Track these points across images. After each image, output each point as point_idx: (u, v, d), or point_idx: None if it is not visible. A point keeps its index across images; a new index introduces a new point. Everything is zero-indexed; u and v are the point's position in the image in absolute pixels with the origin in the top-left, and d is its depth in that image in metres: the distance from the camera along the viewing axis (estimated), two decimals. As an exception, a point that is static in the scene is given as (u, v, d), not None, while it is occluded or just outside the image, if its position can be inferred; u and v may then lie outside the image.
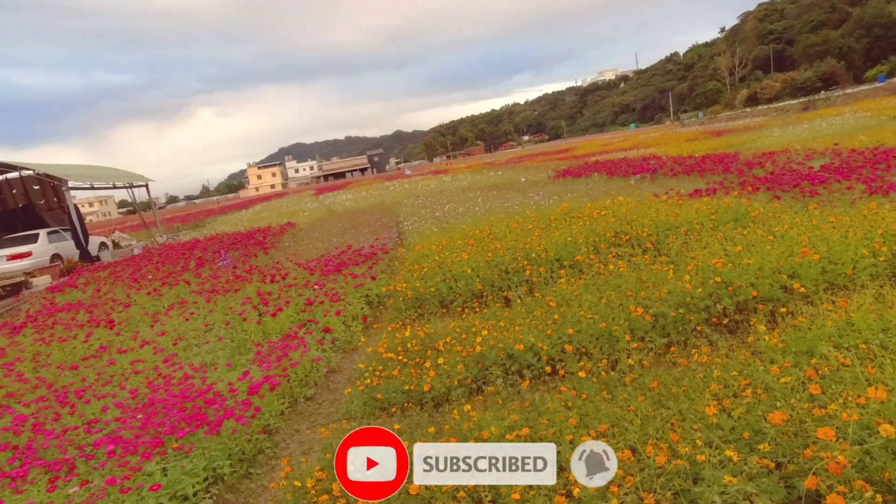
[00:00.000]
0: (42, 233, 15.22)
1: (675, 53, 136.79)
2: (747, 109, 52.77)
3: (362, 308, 6.70)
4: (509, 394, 3.91)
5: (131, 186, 20.97)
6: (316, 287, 6.90)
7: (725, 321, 4.38)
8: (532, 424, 2.95)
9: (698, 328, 4.14)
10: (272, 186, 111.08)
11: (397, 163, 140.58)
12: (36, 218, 18.08)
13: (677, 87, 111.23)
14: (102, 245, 17.78)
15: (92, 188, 18.90)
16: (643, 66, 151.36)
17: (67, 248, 15.68)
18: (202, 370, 5.05)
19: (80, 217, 16.30)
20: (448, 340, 4.90)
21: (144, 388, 4.88)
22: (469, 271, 6.42)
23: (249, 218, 24.76)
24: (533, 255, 6.45)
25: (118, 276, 10.86)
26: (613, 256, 6.02)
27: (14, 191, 17.74)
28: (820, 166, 9.61)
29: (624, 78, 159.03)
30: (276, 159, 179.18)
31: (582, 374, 3.44)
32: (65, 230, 16.05)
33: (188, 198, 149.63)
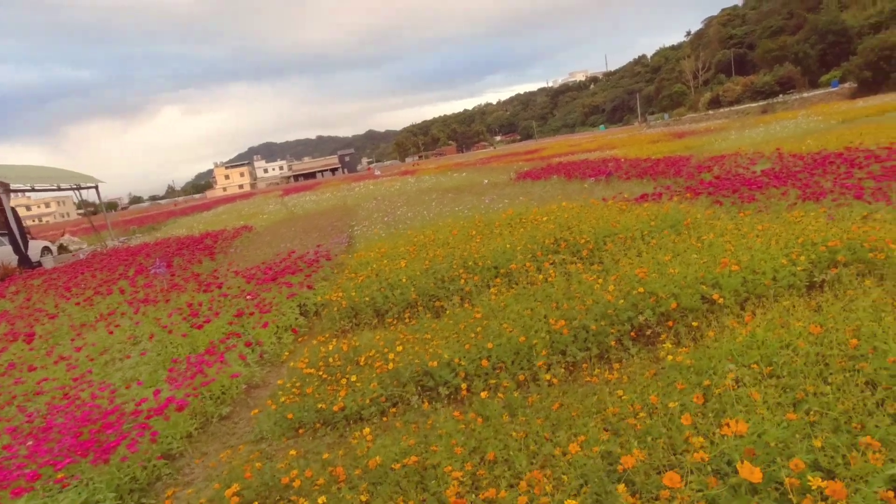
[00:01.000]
0: (-24, 237, 14.44)
1: (643, 56, 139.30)
2: (710, 112, 54.00)
3: (296, 318, 6.47)
4: (423, 413, 3.76)
5: (79, 188, 20.10)
6: (248, 297, 6.62)
7: (648, 332, 4.33)
8: (422, 451, 2.80)
9: (613, 343, 4.06)
10: (240, 187, 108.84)
11: (369, 162, 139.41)
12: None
13: (645, 88, 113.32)
14: (45, 250, 16.98)
15: (33, 190, 18.00)
16: (613, 68, 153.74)
17: (5, 253, 14.90)
18: (111, 390, 4.75)
19: (19, 221, 15.50)
20: (371, 354, 4.73)
21: (46, 409, 4.57)
22: (404, 280, 6.26)
23: (208, 220, 24.10)
24: (470, 262, 6.33)
25: (52, 285, 10.33)
26: (550, 264, 5.94)
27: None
28: (762, 171, 9.77)
29: (594, 79, 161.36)
30: (245, 159, 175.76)
31: (484, 394, 3.31)
32: (2, 234, 15.26)
33: (153, 198, 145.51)
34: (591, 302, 4.43)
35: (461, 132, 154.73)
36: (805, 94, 45.41)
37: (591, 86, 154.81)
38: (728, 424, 1.77)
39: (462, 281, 6.00)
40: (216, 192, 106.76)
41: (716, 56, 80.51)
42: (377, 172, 59.71)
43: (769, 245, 4.76)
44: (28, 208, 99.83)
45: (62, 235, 23.28)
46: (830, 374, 2.53)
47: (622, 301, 4.28)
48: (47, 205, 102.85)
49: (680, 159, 14.91)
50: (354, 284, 6.62)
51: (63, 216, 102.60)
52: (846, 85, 42.60)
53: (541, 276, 5.30)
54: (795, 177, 8.26)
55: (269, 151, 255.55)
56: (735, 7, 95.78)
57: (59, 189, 19.17)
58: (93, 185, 20.65)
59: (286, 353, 5.42)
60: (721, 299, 4.14)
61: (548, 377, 3.73)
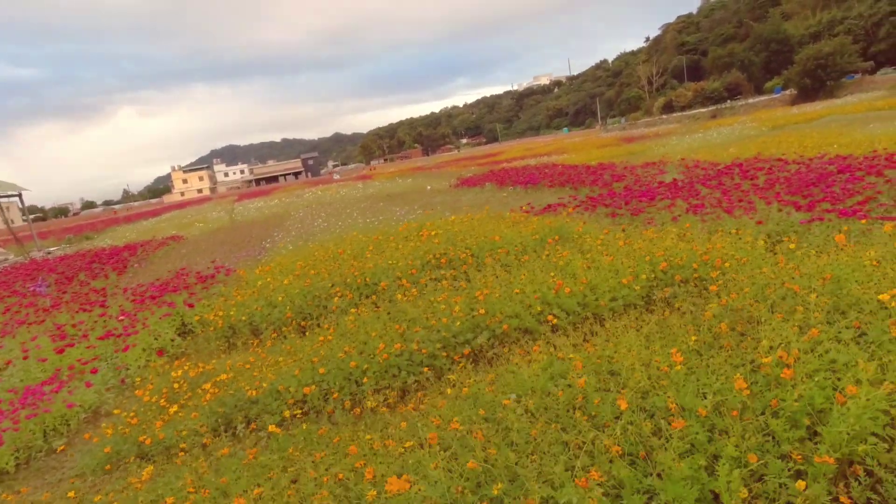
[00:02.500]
0: None
1: (605, 60, 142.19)
2: (663, 116, 55.46)
3: (172, 339, 6.25)
4: (244, 444, 3.65)
5: (-2, 197, 19.19)
6: (121, 318, 6.37)
7: (489, 354, 4.32)
8: (184, 494, 2.70)
9: (447, 366, 4.04)
10: (199, 191, 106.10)
11: (334, 165, 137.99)
12: None
13: (606, 92, 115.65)
14: (-41, 262, 16.12)
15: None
16: (576, 72, 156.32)
17: None
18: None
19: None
20: (221, 379, 4.59)
21: None
22: (280, 299, 6.13)
23: (145, 229, 23.35)
24: (349, 279, 6.24)
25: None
26: (426, 281, 5.90)
27: None
28: (671, 180, 10.01)
29: (558, 83, 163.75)
30: (207, 161, 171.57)
31: (272, 427, 3.22)
32: None
33: (107, 203, 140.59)
34: (436, 322, 4.41)
35: (427, 135, 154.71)
36: (750, 100, 47.03)
37: (556, 89, 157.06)
38: (391, 482, 1.74)
39: (336, 299, 5.91)
40: (174, 197, 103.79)
41: (672, 62, 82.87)
42: (336, 177, 59.12)
43: (619, 263, 4.83)
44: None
45: (-11, 246, 22.16)
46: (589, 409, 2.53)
47: (458, 323, 4.27)
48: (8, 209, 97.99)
49: (609, 166, 15.19)
50: (235, 303, 6.45)
51: (9, 222, 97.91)
52: (787, 92, 44.34)
53: (398, 296, 5.25)
54: (692, 188, 8.47)
55: (233, 154, 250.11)
56: (690, 15, 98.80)
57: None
58: (15, 192, 19.74)
59: (138, 379, 5.22)
60: (555, 320, 4.18)
61: (372, 404, 3.68)
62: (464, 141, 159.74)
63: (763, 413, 2.11)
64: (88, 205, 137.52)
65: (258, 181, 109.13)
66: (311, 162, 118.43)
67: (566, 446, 2.21)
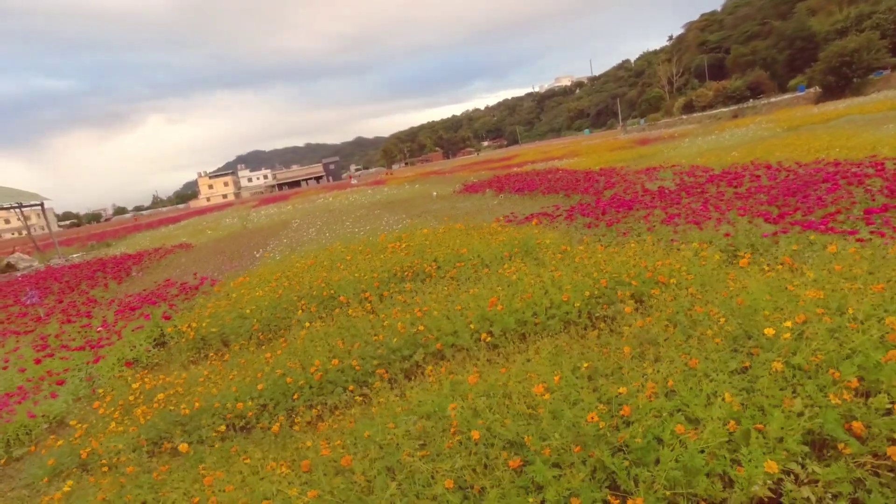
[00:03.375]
0: None
1: (627, 60, 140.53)
2: (683, 117, 54.52)
3: (147, 350, 6.45)
4: (174, 460, 3.76)
5: (20, 206, 19.99)
6: (100, 329, 6.61)
7: (429, 368, 4.35)
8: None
9: (376, 384, 4.08)
10: (224, 196, 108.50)
11: (356, 170, 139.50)
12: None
13: (628, 93, 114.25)
14: (-20, 270, 16.86)
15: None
16: (598, 73, 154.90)
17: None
18: None
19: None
20: (173, 392, 4.72)
21: None
22: (249, 311, 6.27)
23: (161, 236, 24.01)
24: (315, 292, 6.35)
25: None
26: (389, 293, 5.97)
27: None
28: (658, 188, 9.87)
29: (579, 84, 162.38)
30: (233, 167, 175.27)
31: (183, 446, 3.31)
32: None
33: (137, 208, 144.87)
34: (376, 338, 4.47)
35: (447, 138, 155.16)
36: (773, 99, 45.90)
37: (577, 90, 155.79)
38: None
39: (300, 312, 6.02)
40: (200, 202, 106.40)
41: (694, 61, 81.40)
42: (354, 181, 59.77)
43: (567, 278, 4.81)
44: (7, 221, 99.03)
45: (12, 253, 23.11)
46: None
47: (395, 339, 4.32)
48: (28, 218, 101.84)
49: (609, 172, 15.01)
50: (209, 314, 6.62)
51: (42, 228, 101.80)
52: (812, 90, 43.11)
53: (350, 311, 5.32)
54: (677, 196, 8.35)
55: (258, 159, 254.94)
56: (714, 12, 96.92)
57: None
58: (37, 202, 20.55)
59: (101, 391, 5.41)
60: (489, 338, 4.19)
61: (299, 420, 3.76)
62: (485, 143, 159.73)
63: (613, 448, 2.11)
64: (120, 210, 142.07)
65: (280, 186, 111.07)
66: (332, 166, 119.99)
67: (398, 475, 2.24)
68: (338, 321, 5.21)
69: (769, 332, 2.53)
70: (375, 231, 10.11)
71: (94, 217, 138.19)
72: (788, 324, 2.53)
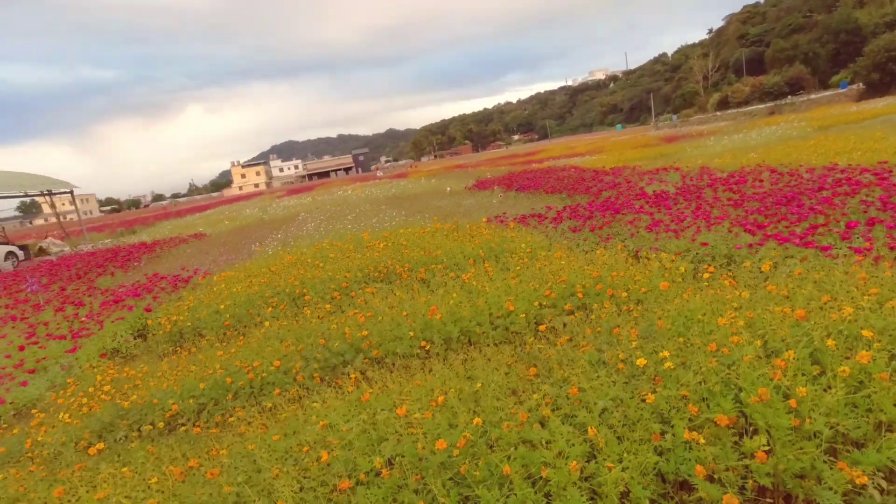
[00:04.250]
0: (-66, 243, 15.12)
1: (664, 54, 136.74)
2: (717, 113, 52.73)
3: (126, 342, 6.64)
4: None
5: (50, 193, 20.82)
6: (84, 319, 6.83)
7: (354, 376, 4.33)
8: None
9: (277, 391, 4.09)
10: (256, 185, 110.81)
11: (386, 161, 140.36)
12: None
13: (663, 88, 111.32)
14: (10, 254, 17.66)
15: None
16: (632, 67, 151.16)
17: (-37, 257, 15.59)
18: None
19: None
20: (133, 386, 4.85)
21: None
22: (223, 306, 6.38)
23: (184, 224, 24.69)
24: (288, 290, 6.41)
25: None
26: (356, 293, 5.97)
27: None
28: (660, 191, 9.58)
29: (613, 78, 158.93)
30: (268, 156, 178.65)
31: (98, 445, 3.38)
32: (-37, 240, 15.95)
33: (174, 195, 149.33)
34: (323, 342, 4.48)
35: (477, 131, 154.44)
36: (813, 96, 43.96)
37: (611, 85, 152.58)
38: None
39: (270, 310, 6.09)
40: (233, 191, 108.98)
41: (733, 55, 78.58)
42: (380, 174, 60.16)
43: (524, 287, 4.71)
44: (52, 205, 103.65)
45: (45, 238, 24.13)
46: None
47: (337, 344, 4.32)
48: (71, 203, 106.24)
49: (618, 171, 14.66)
50: (188, 307, 6.77)
51: (87, 213, 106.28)
52: (855, 87, 41.07)
53: (306, 310, 5.35)
54: (674, 200, 8.09)
55: (291, 150, 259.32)
56: (757, 4, 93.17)
57: (27, 195, 19.94)
58: (66, 189, 21.38)
59: (70, 380, 5.59)
60: (429, 346, 4.15)
61: (219, 421, 3.82)
62: (515, 137, 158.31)
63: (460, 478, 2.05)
64: (158, 197, 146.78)
65: (310, 176, 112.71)
66: (361, 158, 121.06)
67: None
68: (297, 321, 5.24)
69: (641, 362, 2.42)
70: (369, 228, 10.14)
71: (134, 203, 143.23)
72: (665, 353, 2.41)
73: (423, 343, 4.14)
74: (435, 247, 6.83)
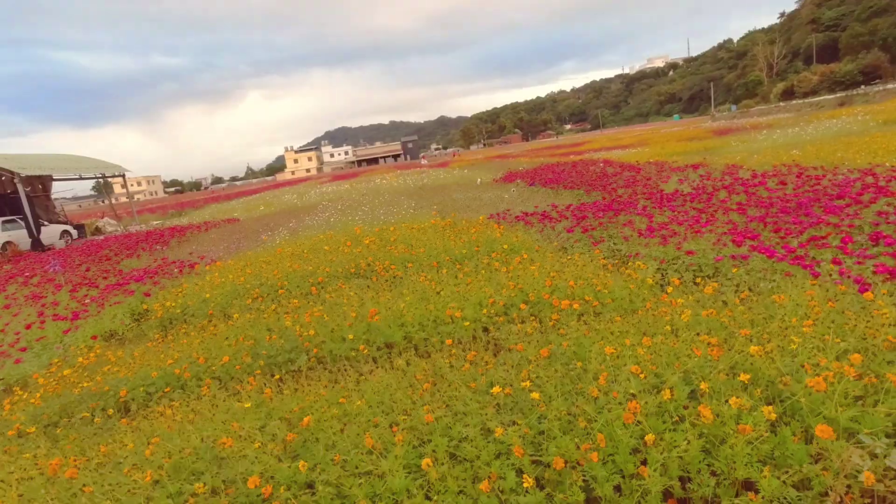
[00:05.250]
0: (-6, 222, 16.38)
1: (729, 40, 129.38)
2: (781, 104, 49.54)
3: (122, 324, 6.96)
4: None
5: (104, 177, 22.10)
6: (87, 301, 7.22)
7: (314, 375, 4.35)
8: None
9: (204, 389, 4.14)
10: (307, 171, 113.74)
11: (436, 149, 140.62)
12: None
13: (726, 76, 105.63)
14: (65, 233, 18.93)
15: (52, 179, 20.05)
16: (694, 54, 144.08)
17: (21, 236, 16.81)
18: None
19: (33, 207, 17.34)
20: (108, 370, 5.08)
21: None
22: (208, 295, 6.57)
23: (226, 209, 25.65)
24: (271, 282, 6.52)
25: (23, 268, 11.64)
26: (331, 290, 6.00)
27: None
28: (674, 190, 9.08)
29: (673, 66, 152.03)
30: (322, 141, 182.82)
31: (32, 428, 3.53)
32: (21, 219, 17.20)
33: (233, 178, 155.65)
34: (269, 339, 4.53)
35: (528, 120, 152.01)
36: (889, 86, 40.47)
37: (670, 72, 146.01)
38: None
39: (249, 301, 6.22)
40: (285, 175, 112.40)
41: (805, 41, 73.37)
42: (424, 162, 60.34)
43: (476, 293, 4.59)
44: (123, 186, 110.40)
45: (102, 218, 25.71)
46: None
47: (282, 342, 4.35)
48: (139, 183, 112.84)
49: (651, 167, 14.03)
50: (182, 293, 7.02)
51: (152, 194, 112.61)
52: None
53: (272, 306, 5.41)
54: (682, 201, 7.65)
55: (344, 135, 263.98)
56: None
57: (81, 178, 21.26)
58: (119, 173, 22.66)
59: (54, 360, 5.91)
60: (366, 350, 4.11)
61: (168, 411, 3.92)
62: (567, 127, 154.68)
63: None
64: (217, 180, 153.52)
65: (359, 162, 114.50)
66: (410, 145, 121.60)
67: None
68: (264, 315, 5.33)
69: (495, 390, 2.27)
70: (378, 220, 10.18)
71: (196, 185, 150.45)
72: (526, 383, 2.25)
73: (361, 347, 4.10)
74: (419, 244, 6.76)
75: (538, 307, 4.23)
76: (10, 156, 18.96)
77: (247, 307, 6.02)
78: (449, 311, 4.18)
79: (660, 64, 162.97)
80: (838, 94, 43.71)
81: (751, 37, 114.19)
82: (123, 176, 23.15)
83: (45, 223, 18.12)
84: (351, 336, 4.19)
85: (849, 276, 3.81)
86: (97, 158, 22.47)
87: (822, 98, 44.82)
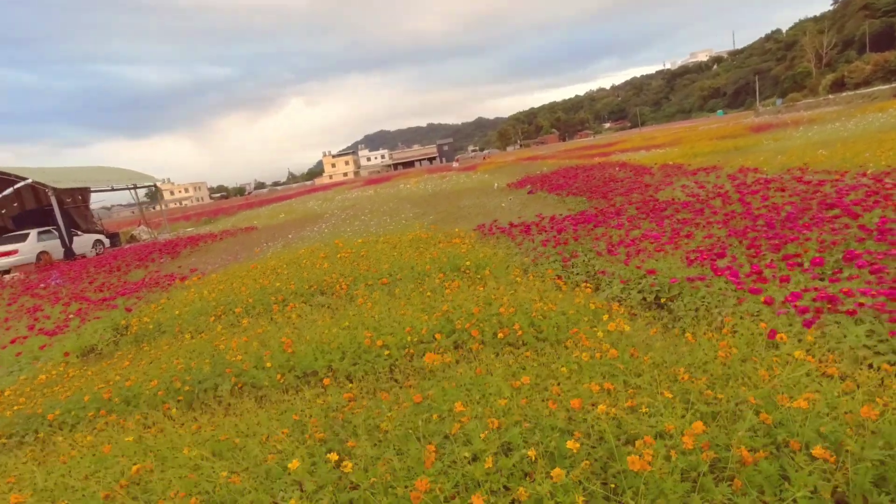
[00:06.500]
0: (33, 232, 17.31)
1: (777, 30, 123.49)
2: (830, 97, 46.84)
3: (106, 340, 7.13)
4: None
5: (135, 187, 23.05)
6: (71, 316, 7.44)
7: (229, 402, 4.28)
8: None
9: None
10: (344, 174, 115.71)
11: (472, 150, 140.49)
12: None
13: (774, 68, 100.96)
14: (97, 243, 19.82)
15: (84, 190, 21.05)
16: (740, 46, 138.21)
17: (54, 246, 17.70)
18: None
19: (68, 217, 18.21)
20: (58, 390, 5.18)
21: None
22: (178, 312, 6.64)
23: (253, 216, 26.30)
24: (235, 300, 6.54)
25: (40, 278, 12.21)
26: (293, 306, 5.95)
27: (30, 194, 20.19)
28: (669, 198, 8.60)
29: (717, 59, 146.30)
30: (361, 145, 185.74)
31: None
32: (55, 229, 18.11)
33: (275, 183, 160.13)
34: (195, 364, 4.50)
35: (565, 120, 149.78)
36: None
37: (714, 67, 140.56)
38: None
39: (212, 319, 6.25)
40: (323, 180, 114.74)
41: (859, 29, 69.08)
42: (455, 164, 60.35)
43: (408, 317, 4.41)
44: (171, 192, 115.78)
45: (138, 226, 26.83)
46: None
47: (206, 367, 4.30)
48: (186, 190, 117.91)
49: (661, 169, 13.42)
50: (158, 309, 7.14)
51: (198, 200, 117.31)
52: None
53: (219, 327, 5.39)
54: (672, 209, 7.23)
55: (383, 139, 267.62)
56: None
57: (113, 189, 22.23)
58: (150, 183, 23.58)
59: (21, 377, 6.08)
60: (282, 378, 4.00)
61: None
62: (606, 125, 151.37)
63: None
64: (259, 185, 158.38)
65: (395, 165, 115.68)
66: (445, 147, 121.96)
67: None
68: (206, 335, 5.32)
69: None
70: (367, 231, 10.13)
71: (240, 191, 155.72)
72: (332, 455, 2.07)
73: (278, 376, 4.00)
74: (386, 260, 6.64)
75: (463, 336, 4.02)
76: (47, 169, 20.05)
77: (210, 325, 6.04)
78: (367, 339, 4.01)
79: (703, 58, 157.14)
80: (893, 84, 40.87)
81: (801, 26, 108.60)
82: (155, 186, 24.09)
83: (79, 233, 19.03)
84: (269, 364, 4.09)
85: (794, 307, 3.43)
86: (130, 170, 23.55)
87: (875, 89, 42.00)
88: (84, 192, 22.63)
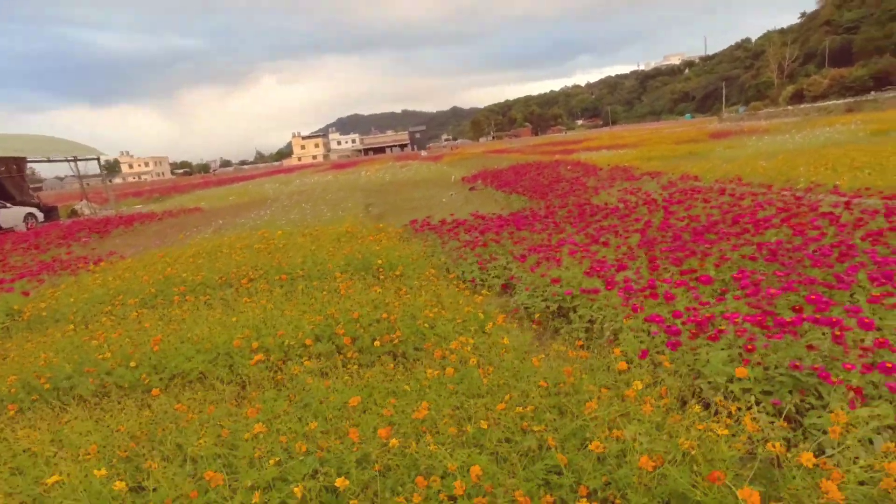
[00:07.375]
0: (-48, 204, 16.27)
1: (747, 39, 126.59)
2: (788, 108, 48.33)
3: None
4: None
5: (76, 160, 21.91)
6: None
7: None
8: None
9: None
10: (314, 157, 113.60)
11: (446, 139, 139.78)
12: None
13: (742, 76, 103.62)
14: (29, 216, 18.80)
15: (25, 160, 19.91)
16: (711, 52, 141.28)
17: (-16, 218, 16.69)
18: None
19: (1, 187, 17.16)
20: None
21: None
22: (72, 300, 6.28)
23: (200, 197, 25.45)
24: (136, 289, 6.22)
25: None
26: (193, 299, 5.68)
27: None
28: (602, 202, 8.61)
29: (689, 64, 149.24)
30: (334, 128, 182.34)
31: None
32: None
33: (242, 162, 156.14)
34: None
35: (539, 114, 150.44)
36: (900, 93, 39.12)
37: (686, 71, 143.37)
38: None
39: (107, 308, 5.92)
40: (292, 161, 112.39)
41: (822, 43, 71.42)
42: (423, 153, 59.96)
43: (295, 317, 4.23)
44: (130, 166, 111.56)
45: (81, 201, 25.63)
46: None
47: (69, 366, 4.03)
48: (147, 164, 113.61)
49: (610, 171, 13.50)
50: (56, 295, 6.74)
51: (159, 175, 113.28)
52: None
53: (104, 319, 5.11)
54: (599, 218, 7.21)
55: (357, 123, 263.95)
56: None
57: (49, 161, 21.08)
58: (93, 156, 22.46)
59: None
60: (147, 380, 3.77)
61: None
62: (579, 122, 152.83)
63: None
64: (225, 163, 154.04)
65: (366, 151, 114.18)
66: (417, 135, 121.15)
67: None
68: (89, 328, 5.02)
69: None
70: (304, 222, 9.84)
71: (204, 168, 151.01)
72: (101, 472, 1.90)
73: (142, 376, 3.76)
74: (300, 254, 6.42)
75: (339, 341, 3.86)
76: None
77: (98, 316, 5.71)
78: (238, 341, 3.82)
79: (676, 62, 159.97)
80: (847, 100, 42.44)
81: (769, 36, 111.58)
82: (98, 159, 22.95)
83: (8, 206, 17.98)
84: (133, 364, 3.85)
85: (664, 328, 3.39)
86: (73, 141, 22.26)
87: (830, 103, 43.57)
88: (20, 162, 21.44)
